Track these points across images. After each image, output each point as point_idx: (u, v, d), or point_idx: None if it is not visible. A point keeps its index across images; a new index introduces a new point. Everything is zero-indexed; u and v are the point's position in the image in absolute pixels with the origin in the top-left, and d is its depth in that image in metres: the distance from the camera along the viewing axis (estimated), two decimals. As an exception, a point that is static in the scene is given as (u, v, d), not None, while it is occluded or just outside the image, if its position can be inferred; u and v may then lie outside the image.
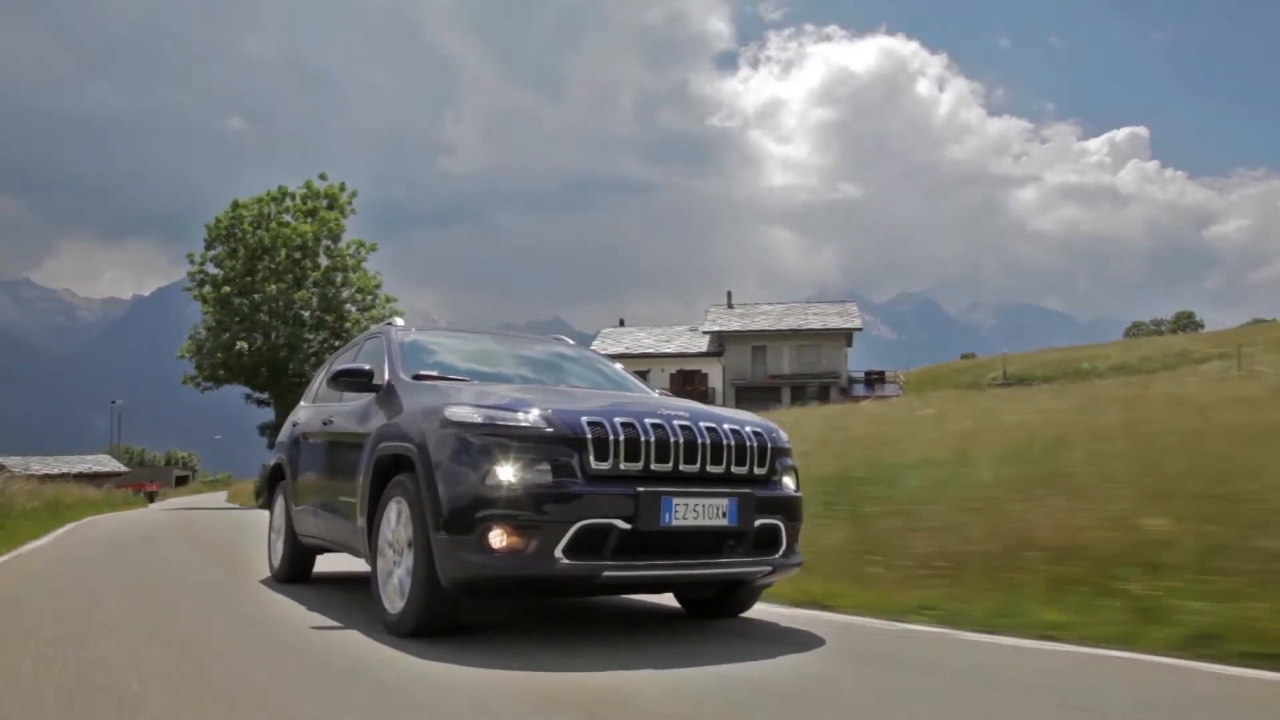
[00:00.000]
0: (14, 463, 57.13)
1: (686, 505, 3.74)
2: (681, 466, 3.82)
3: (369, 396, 4.82)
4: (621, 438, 3.73)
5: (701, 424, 3.93)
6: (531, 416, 3.75)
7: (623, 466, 3.72)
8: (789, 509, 4.13)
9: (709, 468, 3.89)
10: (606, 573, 3.63)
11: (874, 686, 3.27)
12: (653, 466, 3.77)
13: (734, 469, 3.96)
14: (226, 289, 30.87)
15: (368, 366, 4.80)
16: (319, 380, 6.46)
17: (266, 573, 6.54)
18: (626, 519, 3.63)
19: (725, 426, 4.00)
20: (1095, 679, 3.35)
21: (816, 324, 50.45)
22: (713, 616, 4.64)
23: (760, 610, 4.76)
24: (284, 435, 6.49)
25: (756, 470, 4.05)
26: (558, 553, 3.58)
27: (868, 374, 52.32)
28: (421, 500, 3.82)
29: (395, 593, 4.04)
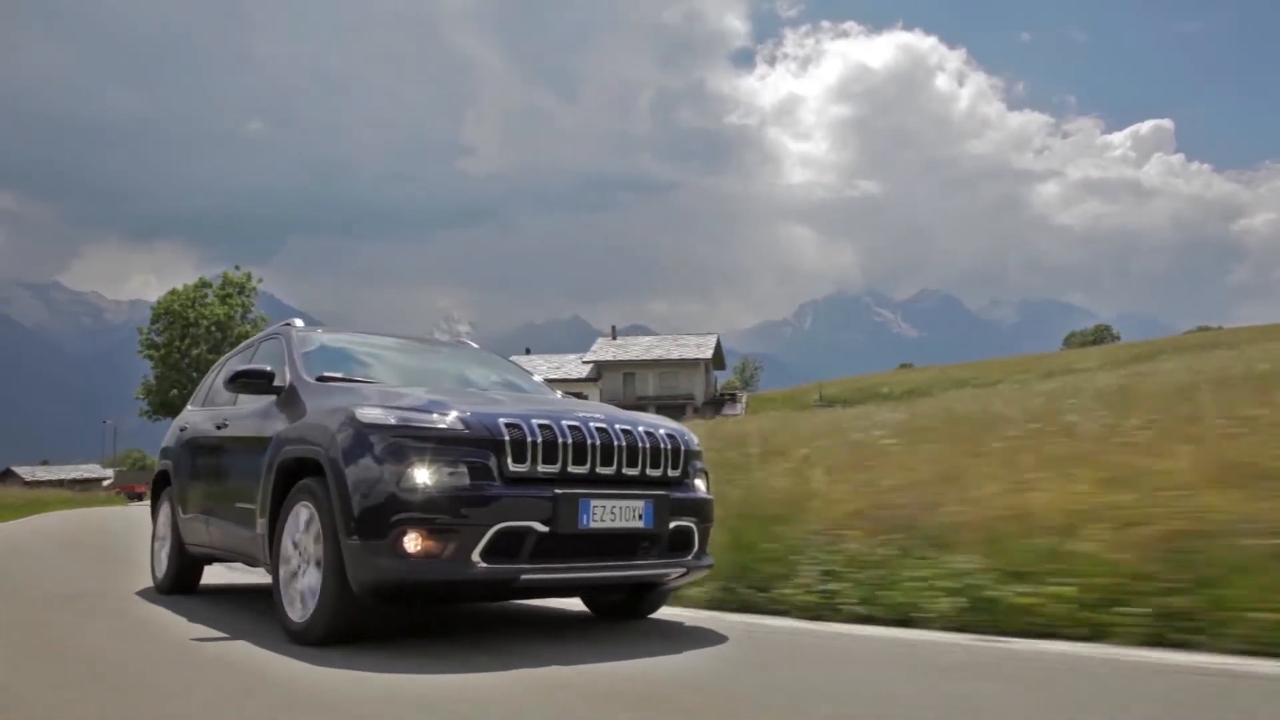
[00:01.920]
0: (24, 471, 76.22)
1: (604, 508, 3.70)
2: (598, 469, 3.78)
3: (268, 399, 4.60)
4: (539, 440, 3.66)
5: (617, 426, 3.91)
6: (448, 418, 3.64)
7: (540, 469, 3.65)
8: (701, 511, 4.13)
9: (625, 470, 3.85)
10: (525, 575, 3.54)
11: (772, 679, 3.27)
12: (570, 469, 3.71)
13: (649, 471, 3.93)
14: (164, 351, 44.28)
15: (268, 368, 4.60)
16: (209, 383, 6.13)
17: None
18: (544, 521, 3.56)
19: (640, 429, 3.99)
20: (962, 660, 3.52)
21: (676, 354, 59.87)
22: (622, 618, 4.63)
23: (664, 612, 4.78)
24: (170, 440, 6.11)
25: (670, 473, 4.04)
26: (475, 556, 3.48)
27: (721, 394, 61.46)
28: (330, 504, 3.65)
29: (300, 600, 3.85)
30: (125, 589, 6.07)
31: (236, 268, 46.82)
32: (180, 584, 5.73)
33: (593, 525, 3.66)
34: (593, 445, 3.78)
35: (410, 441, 3.56)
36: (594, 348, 62.62)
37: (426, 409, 3.70)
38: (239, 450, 4.80)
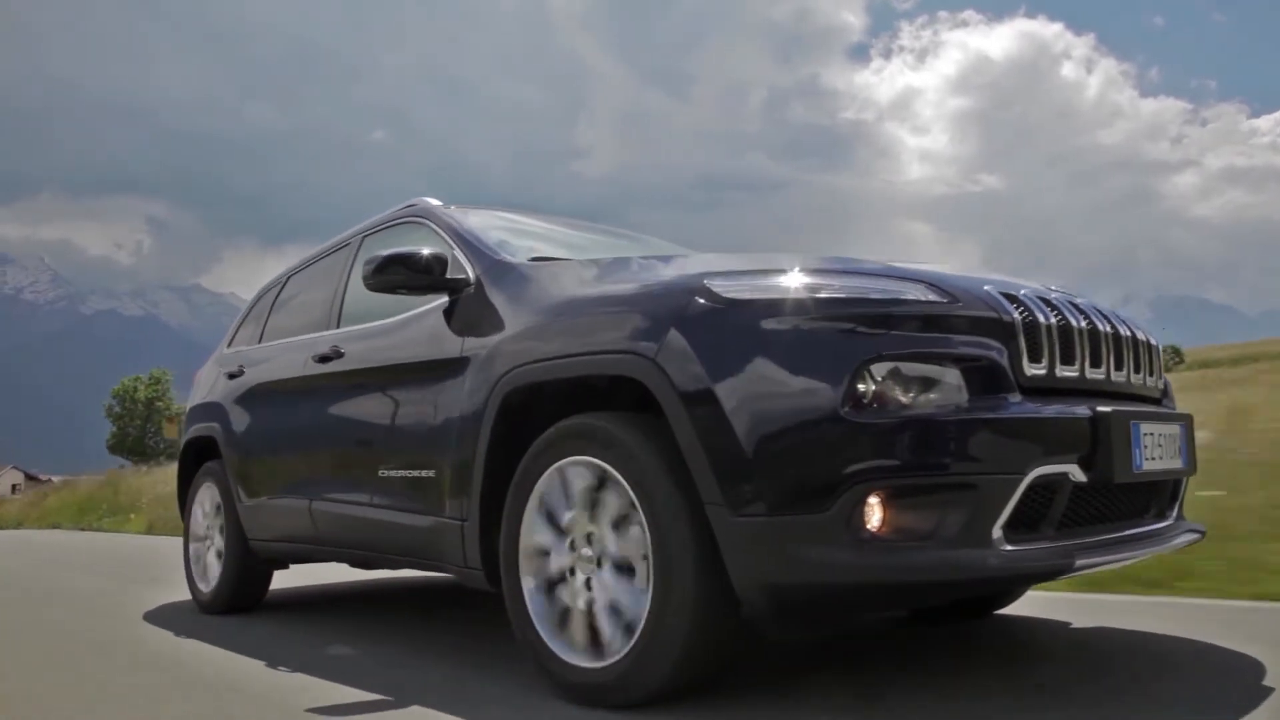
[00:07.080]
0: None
1: (1153, 436, 2.11)
2: (1113, 375, 2.21)
3: (428, 306, 2.81)
4: (1052, 322, 2.05)
5: (1099, 307, 2.35)
6: (910, 287, 1.97)
7: (1059, 373, 2.07)
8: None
9: (1133, 377, 2.32)
10: (1081, 560, 1.90)
11: None
12: (1088, 374, 2.14)
13: (1149, 380, 2.39)
14: (120, 417, 54.41)
15: (439, 251, 2.83)
16: (264, 316, 4.06)
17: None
18: (1082, 463, 1.99)
19: (1115, 314, 2.43)
20: None
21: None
22: (947, 618, 3.06)
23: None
24: (213, 393, 4.10)
25: (1157, 382, 2.51)
26: (996, 531, 1.85)
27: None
28: (668, 456, 1.94)
29: (591, 632, 2.10)
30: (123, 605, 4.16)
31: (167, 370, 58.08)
32: (241, 599, 3.81)
33: (1145, 466, 2.07)
34: (1106, 335, 2.18)
35: (848, 327, 1.89)
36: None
37: (858, 271, 2.04)
38: (386, 386, 2.94)
